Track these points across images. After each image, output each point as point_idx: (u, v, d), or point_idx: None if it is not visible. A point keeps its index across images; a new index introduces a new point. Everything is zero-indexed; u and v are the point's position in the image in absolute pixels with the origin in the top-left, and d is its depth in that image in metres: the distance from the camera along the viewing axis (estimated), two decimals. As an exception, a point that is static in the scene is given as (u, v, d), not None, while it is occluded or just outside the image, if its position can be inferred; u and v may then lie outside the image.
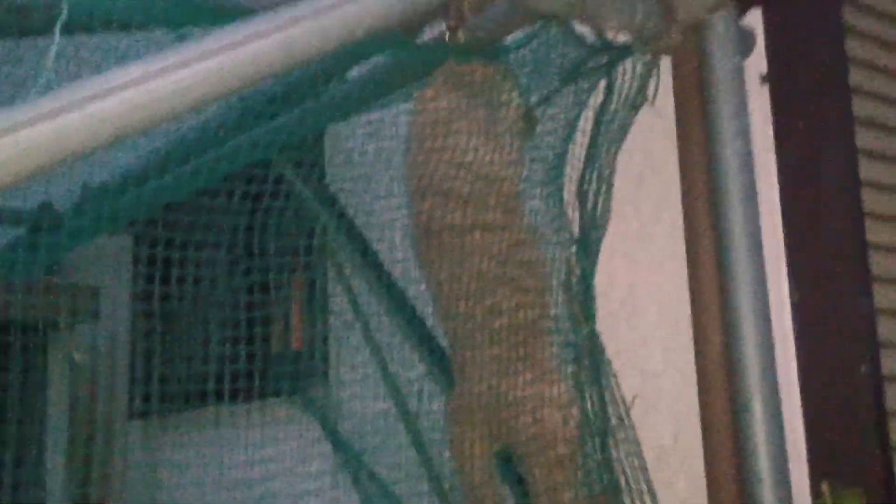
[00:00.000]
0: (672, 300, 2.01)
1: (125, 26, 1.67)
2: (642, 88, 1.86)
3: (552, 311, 1.79)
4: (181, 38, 1.58)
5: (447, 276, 1.69)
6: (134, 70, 1.23)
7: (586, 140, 1.93)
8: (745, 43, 1.86)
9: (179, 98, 1.25)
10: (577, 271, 1.90)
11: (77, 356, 2.97)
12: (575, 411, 1.74)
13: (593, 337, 1.86)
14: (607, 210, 1.89)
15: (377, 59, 2.06)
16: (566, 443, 1.71)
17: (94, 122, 1.18)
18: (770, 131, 1.93)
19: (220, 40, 1.30)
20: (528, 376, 1.69)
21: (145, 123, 1.24)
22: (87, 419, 3.30)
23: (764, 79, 1.95)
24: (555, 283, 1.87)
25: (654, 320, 2.09)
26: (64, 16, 1.26)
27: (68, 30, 1.40)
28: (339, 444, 2.59)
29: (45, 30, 1.38)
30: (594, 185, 1.92)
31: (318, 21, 1.36)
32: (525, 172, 1.85)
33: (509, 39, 1.92)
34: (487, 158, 1.75)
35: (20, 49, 1.56)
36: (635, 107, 1.88)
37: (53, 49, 1.27)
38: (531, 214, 1.86)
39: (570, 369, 1.87)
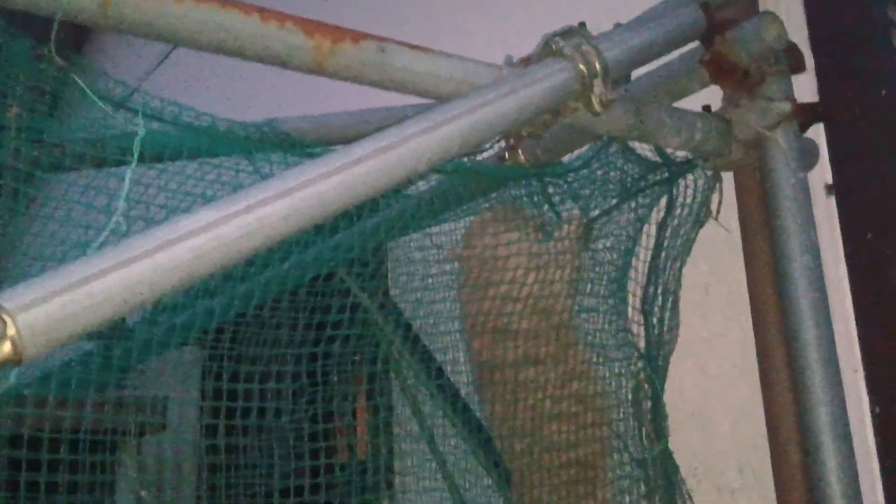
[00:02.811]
0: (746, 413, 1.92)
1: (193, 157, 1.70)
2: (705, 203, 1.82)
3: (613, 443, 1.71)
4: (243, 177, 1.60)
5: (501, 412, 1.66)
6: (202, 217, 1.22)
7: (649, 255, 1.88)
8: (808, 155, 1.81)
9: (248, 241, 1.24)
10: (647, 388, 1.83)
11: (144, 494, 2.93)
12: None
13: (666, 455, 1.78)
14: (675, 325, 1.83)
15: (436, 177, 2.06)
16: None
17: (163, 271, 1.17)
18: (838, 242, 1.85)
19: (285, 183, 1.29)
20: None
21: (214, 267, 1.22)
22: (156, 529, 3.25)
23: (829, 189, 1.89)
24: (619, 400, 1.82)
25: (729, 434, 1.99)
26: (134, 163, 1.26)
27: (140, 160, 1.41)
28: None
29: (120, 161, 1.40)
30: (659, 300, 1.86)
31: (380, 159, 1.35)
32: (579, 299, 1.81)
33: (567, 158, 1.90)
34: (540, 291, 1.72)
35: (90, 191, 1.58)
36: (698, 221, 1.83)
37: (123, 196, 1.28)
38: (592, 333, 1.80)
39: (641, 489, 1.79)
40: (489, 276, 1.71)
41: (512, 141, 1.98)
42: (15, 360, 1.06)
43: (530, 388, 1.65)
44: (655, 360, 1.83)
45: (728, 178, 1.85)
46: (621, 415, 1.78)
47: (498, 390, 1.68)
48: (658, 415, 1.80)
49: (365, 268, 2.40)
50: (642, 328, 1.85)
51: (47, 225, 1.69)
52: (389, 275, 2.48)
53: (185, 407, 3.18)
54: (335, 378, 2.57)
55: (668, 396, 1.85)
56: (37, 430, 2.45)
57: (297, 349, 2.59)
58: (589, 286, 1.81)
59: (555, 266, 1.70)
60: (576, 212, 1.84)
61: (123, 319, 2.96)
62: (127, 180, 1.26)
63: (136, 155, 1.27)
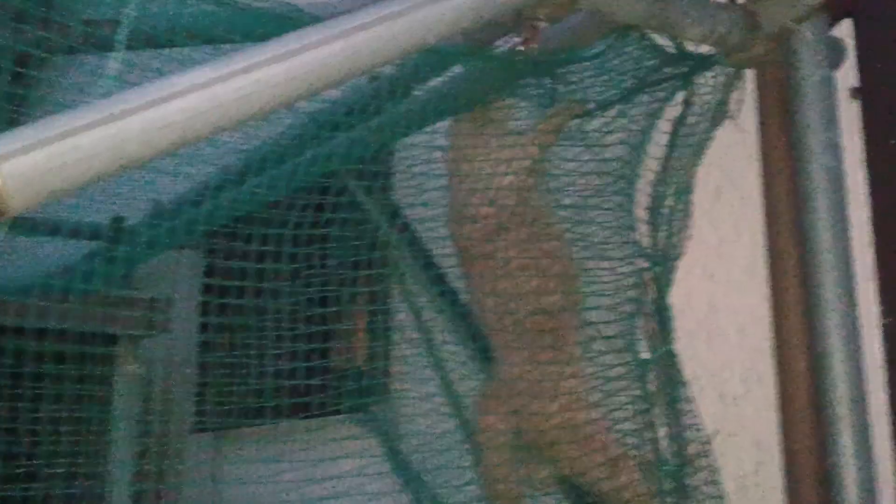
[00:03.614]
0: (753, 321, 1.87)
1: (191, 39, 1.61)
2: (723, 102, 1.74)
3: (579, 309, 1.79)
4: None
5: (479, 279, 1.80)
6: (198, 75, 1.15)
7: (661, 153, 1.81)
8: (834, 54, 1.71)
9: (244, 104, 1.17)
10: (653, 288, 1.78)
11: (133, 367, 2.91)
12: (598, 413, 1.71)
13: (671, 358, 1.73)
14: (685, 227, 1.77)
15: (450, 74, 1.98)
16: (594, 440, 1.70)
17: (155, 128, 1.11)
18: (859, 148, 1.78)
19: (286, 45, 1.22)
20: (554, 368, 1.70)
21: (209, 130, 1.16)
22: (154, 430, 3.25)
23: (854, 93, 1.80)
24: (621, 299, 1.79)
25: (735, 342, 1.94)
26: (127, 24, 1.19)
27: (133, 45, 1.33)
28: (399, 464, 2.48)
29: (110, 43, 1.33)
30: (670, 201, 1.79)
31: (386, 26, 1.27)
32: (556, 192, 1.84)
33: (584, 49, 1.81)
34: (504, 182, 1.79)
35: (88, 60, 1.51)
36: (716, 121, 1.75)
37: (117, 54, 1.21)
38: (590, 224, 1.78)
39: (636, 389, 1.76)
40: (469, 168, 1.82)
41: (526, 35, 1.89)
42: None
43: (501, 261, 1.75)
44: (663, 262, 1.77)
45: (748, 79, 1.76)
46: (621, 314, 1.74)
47: (476, 261, 1.79)
48: (663, 317, 1.75)
49: (369, 170, 2.32)
50: (650, 228, 1.79)
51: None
52: (395, 178, 2.41)
53: (186, 308, 3.15)
54: (335, 284, 2.52)
55: (677, 303, 1.80)
56: (38, 325, 2.43)
57: (298, 258, 2.52)
58: (594, 180, 1.76)
59: (514, 163, 1.76)
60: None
61: (123, 218, 2.91)
62: (122, 37, 1.18)
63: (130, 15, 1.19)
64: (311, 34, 1.23)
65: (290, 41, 1.21)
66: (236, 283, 2.44)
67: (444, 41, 1.36)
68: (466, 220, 1.81)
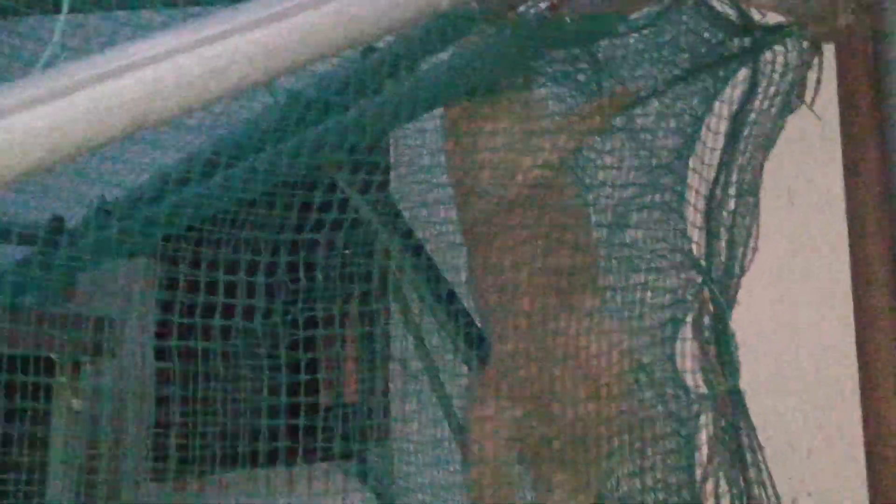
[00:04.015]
0: (832, 351, 1.85)
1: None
2: (798, 82, 1.71)
3: (597, 272, 1.80)
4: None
5: (482, 260, 1.85)
6: (158, 43, 1.11)
7: (720, 143, 1.78)
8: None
9: (216, 78, 1.14)
10: (710, 310, 1.74)
11: (76, 403, 2.87)
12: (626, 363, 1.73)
13: (736, 396, 1.70)
14: (750, 236, 1.74)
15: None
16: (616, 385, 1.71)
17: (105, 106, 1.08)
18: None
19: (268, 8, 1.19)
20: (569, 324, 1.71)
21: (172, 109, 1.13)
22: (101, 480, 3.22)
23: (955, 72, 1.78)
24: (670, 315, 1.77)
25: (811, 377, 1.91)
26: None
27: (79, 6, 1.31)
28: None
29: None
30: (731, 203, 1.76)
31: (392, -15, 1.24)
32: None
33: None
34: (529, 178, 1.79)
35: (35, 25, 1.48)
36: (788, 106, 1.73)
37: (62, 18, 1.18)
38: (628, 227, 1.78)
39: (683, 432, 1.74)
40: (483, 159, 1.83)
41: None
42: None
43: (505, 235, 1.79)
44: (723, 278, 1.74)
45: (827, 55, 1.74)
46: (666, 336, 1.71)
47: (482, 238, 1.84)
48: (725, 345, 1.71)
49: (365, 163, 2.29)
50: (706, 236, 1.76)
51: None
52: (392, 172, 2.39)
53: (140, 329, 3.13)
54: (322, 302, 2.49)
55: (737, 326, 1.77)
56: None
57: (276, 269, 2.49)
58: (633, 175, 1.73)
59: (531, 137, 1.75)
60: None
61: (62, 218, 2.88)
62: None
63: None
64: (298, -6, 1.20)
65: (274, 2, 1.19)
66: (201, 299, 2.41)
67: (458, 6, 1.33)
68: (474, 201, 1.85)
